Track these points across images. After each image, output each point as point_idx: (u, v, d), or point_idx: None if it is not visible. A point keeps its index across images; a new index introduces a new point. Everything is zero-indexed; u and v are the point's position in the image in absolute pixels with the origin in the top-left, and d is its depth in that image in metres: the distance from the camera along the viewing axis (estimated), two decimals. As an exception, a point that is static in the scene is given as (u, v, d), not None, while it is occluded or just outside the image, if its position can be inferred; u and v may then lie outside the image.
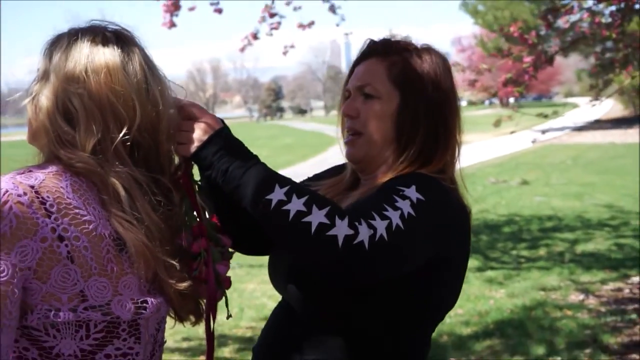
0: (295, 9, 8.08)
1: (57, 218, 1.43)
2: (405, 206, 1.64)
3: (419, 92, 1.86)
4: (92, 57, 1.55)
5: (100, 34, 1.59)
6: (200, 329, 6.06)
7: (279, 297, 1.99)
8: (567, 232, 10.61)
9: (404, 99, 1.86)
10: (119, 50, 1.58)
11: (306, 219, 1.55)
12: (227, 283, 1.78)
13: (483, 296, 7.10)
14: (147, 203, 1.55)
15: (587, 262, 8.50)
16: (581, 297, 6.99)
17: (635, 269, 7.96)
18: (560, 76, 66.58)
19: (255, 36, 8.17)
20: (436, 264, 1.76)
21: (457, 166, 1.93)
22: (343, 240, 1.53)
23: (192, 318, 1.71)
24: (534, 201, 14.16)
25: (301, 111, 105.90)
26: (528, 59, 6.92)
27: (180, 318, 1.69)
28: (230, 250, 1.81)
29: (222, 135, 1.67)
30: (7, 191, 1.41)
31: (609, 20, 7.10)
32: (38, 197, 1.43)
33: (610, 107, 45.32)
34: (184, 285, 1.59)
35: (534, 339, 5.72)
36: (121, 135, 1.53)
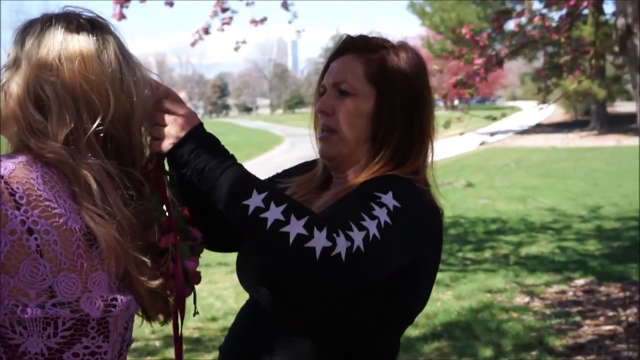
0: (247, 4, 8.06)
1: (27, 210, 1.37)
2: (382, 215, 1.62)
3: (396, 91, 1.83)
4: (66, 44, 1.49)
5: (75, 21, 1.53)
6: (147, 329, 5.99)
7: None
8: (511, 235, 10.74)
9: (381, 97, 1.83)
10: (94, 38, 1.52)
11: (284, 229, 1.51)
12: (197, 279, 1.73)
13: (430, 298, 7.09)
14: (119, 197, 1.49)
15: (531, 264, 8.61)
16: (526, 299, 7.07)
17: (578, 272, 8.09)
18: (503, 80, 67.49)
19: (206, 31, 8.11)
20: (413, 267, 1.75)
21: (430, 161, 1.92)
22: (320, 252, 1.50)
23: (161, 317, 1.66)
24: (478, 204, 14.32)
25: (247, 109, 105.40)
26: (479, 61, 6.98)
27: (149, 317, 1.63)
28: (200, 244, 1.76)
29: (198, 133, 1.62)
30: None
31: (557, 24, 7.20)
32: (7, 188, 1.37)
33: (551, 111, 46.06)
34: (155, 283, 1.53)
35: (481, 341, 5.76)
36: (95, 125, 1.48)
